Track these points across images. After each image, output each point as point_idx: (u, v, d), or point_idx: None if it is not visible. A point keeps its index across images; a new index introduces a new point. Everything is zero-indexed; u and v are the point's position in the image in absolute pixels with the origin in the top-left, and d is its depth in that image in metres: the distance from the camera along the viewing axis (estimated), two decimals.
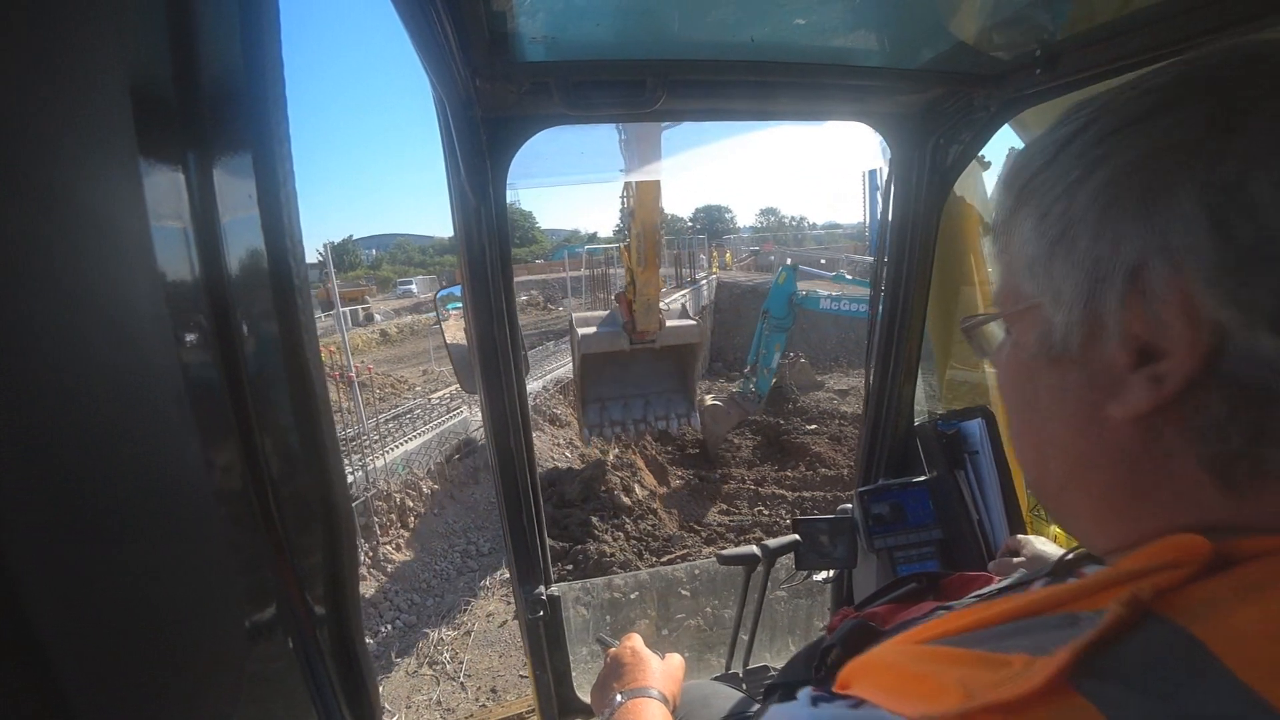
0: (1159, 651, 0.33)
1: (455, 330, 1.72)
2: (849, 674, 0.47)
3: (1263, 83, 0.37)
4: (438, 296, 2.00)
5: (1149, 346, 0.39)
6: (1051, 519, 0.54)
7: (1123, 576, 0.38)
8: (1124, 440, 0.42)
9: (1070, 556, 0.61)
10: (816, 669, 0.68)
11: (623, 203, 7.58)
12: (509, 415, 1.59)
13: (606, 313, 8.10)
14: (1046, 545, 0.98)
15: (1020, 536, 1.03)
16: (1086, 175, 0.40)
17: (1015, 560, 0.96)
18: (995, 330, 0.56)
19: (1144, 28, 1.06)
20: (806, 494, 10.39)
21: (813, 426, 13.49)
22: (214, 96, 0.41)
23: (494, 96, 1.24)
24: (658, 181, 6.92)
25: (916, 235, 1.71)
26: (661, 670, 0.97)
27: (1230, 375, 0.36)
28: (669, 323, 7.69)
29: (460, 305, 1.67)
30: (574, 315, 8.45)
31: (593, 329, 7.74)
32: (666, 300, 9.70)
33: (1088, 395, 0.43)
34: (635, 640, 1.04)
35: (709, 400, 12.41)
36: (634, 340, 7.56)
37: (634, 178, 5.41)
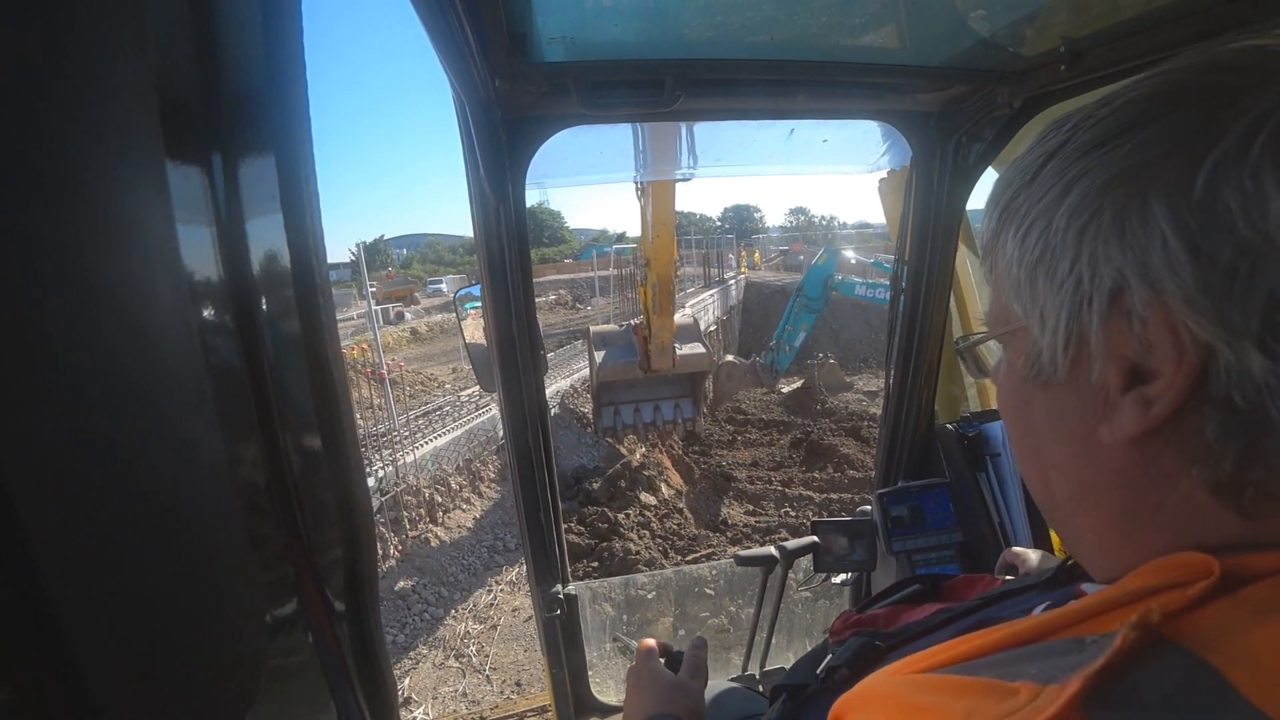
0: (1174, 681, 0.31)
1: (474, 330, 1.73)
2: (845, 706, 0.45)
3: (1232, 92, 0.35)
4: (456, 296, 2.01)
5: (1138, 368, 0.38)
6: (1064, 545, 0.53)
7: (1128, 596, 0.37)
8: (1122, 464, 0.40)
9: (1071, 562, 0.59)
10: (821, 681, 0.65)
11: (638, 251, 8.16)
12: (528, 414, 1.60)
13: (624, 326, 8.53)
14: (1048, 560, 0.94)
15: (1017, 550, 1.00)
16: (1063, 195, 0.39)
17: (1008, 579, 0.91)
18: (993, 349, 0.55)
19: (1171, 22, 1.03)
20: (834, 496, 10.29)
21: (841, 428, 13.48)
22: (237, 99, 0.41)
23: (513, 97, 1.26)
24: (673, 234, 7.47)
25: (938, 236, 1.68)
26: (674, 690, 0.88)
27: (1221, 397, 0.35)
28: (680, 351, 8.24)
29: (479, 305, 1.68)
30: (592, 330, 9.13)
31: (609, 354, 8.39)
32: (685, 307, 10.17)
33: (1081, 418, 0.42)
34: (648, 659, 0.94)
35: (729, 357, 12.68)
36: (647, 372, 8.27)
37: (653, 177, 5.49)
